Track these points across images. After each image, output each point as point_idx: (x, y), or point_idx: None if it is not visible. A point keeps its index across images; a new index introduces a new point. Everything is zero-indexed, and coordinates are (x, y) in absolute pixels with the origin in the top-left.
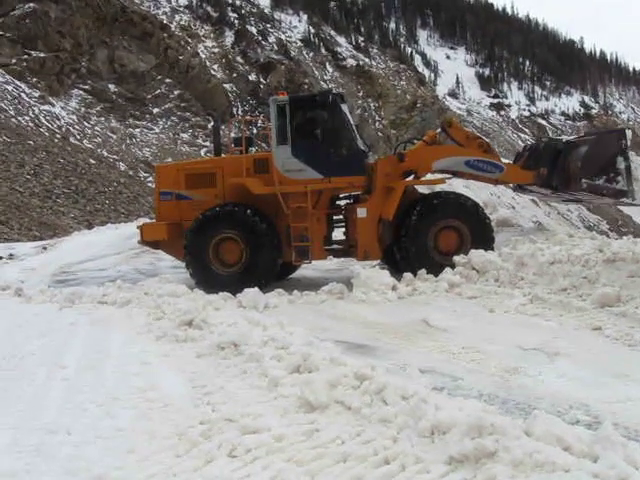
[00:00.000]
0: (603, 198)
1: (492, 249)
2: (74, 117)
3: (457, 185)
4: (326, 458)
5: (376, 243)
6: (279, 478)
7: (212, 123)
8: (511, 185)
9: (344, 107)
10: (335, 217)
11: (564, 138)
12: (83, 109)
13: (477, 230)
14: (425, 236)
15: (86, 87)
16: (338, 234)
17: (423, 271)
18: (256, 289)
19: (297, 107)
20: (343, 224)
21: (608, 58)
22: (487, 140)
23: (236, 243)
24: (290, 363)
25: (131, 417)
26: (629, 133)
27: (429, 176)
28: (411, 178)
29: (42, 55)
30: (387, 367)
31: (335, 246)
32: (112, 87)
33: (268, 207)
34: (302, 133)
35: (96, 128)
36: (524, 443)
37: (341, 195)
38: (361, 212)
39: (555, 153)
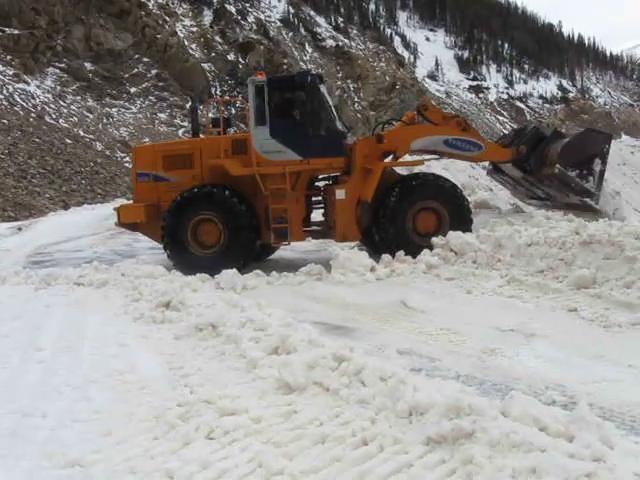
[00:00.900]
0: (568, 195)
1: (470, 231)
2: (49, 96)
3: (435, 167)
4: (304, 439)
5: (354, 224)
6: (257, 460)
7: (190, 103)
8: (486, 168)
9: (323, 88)
10: (314, 198)
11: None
12: (59, 88)
13: (455, 212)
14: (403, 217)
15: (62, 65)
16: (317, 215)
17: (401, 252)
18: (234, 270)
19: (275, 88)
20: (322, 205)
21: (586, 42)
22: (464, 118)
23: (214, 224)
24: (268, 344)
25: (108, 400)
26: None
27: (408, 157)
28: (390, 159)
29: (16, 32)
30: (365, 348)
31: (314, 227)
32: (88, 66)
33: (247, 188)
34: (280, 114)
35: (72, 107)
36: (501, 424)
37: (320, 176)
38: (340, 193)
39: (540, 137)
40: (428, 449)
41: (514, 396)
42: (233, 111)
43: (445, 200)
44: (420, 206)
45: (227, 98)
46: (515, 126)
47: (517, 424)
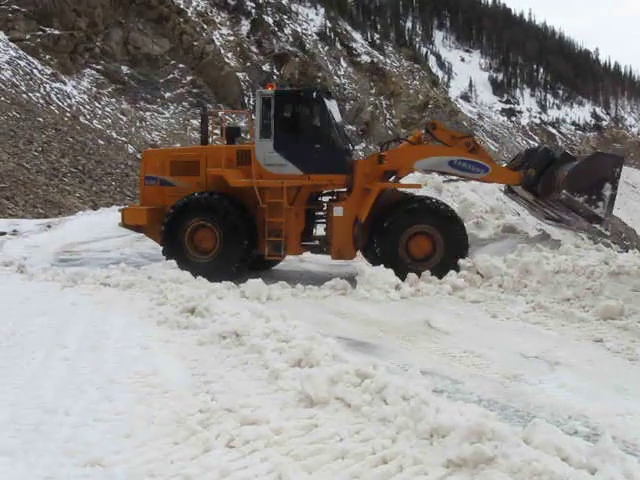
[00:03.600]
0: (578, 220)
1: (465, 256)
2: (85, 97)
3: (464, 188)
4: (324, 454)
5: (351, 243)
6: (276, 471)
7: (200, 111)
8: (502, 188)
9: (329, 104)
10: (318, 213)
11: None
12: (95, 89)
13: (450, 236)
14: (395, 243)
15: (99, 67)
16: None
17: (427, 272)
18: (259, 280)
19: (282, 101)
20: (324, 221)
21: (622, 71)
22: (473, 138)
23: (211, 231)
24: (291, 356)
25: (130, 401)
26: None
27: (411, 179)
28: (393, 179)
29: (56, 32)
30: (388, 366)
31: (314, 242)
32: (125, 69)
33: (248, 199)
34: (285, 128)
35: (107, 109)
36: (523, 451)
37: (325, 192)
38: (337, 211)
39: (549, 159)
40: (448, 472)
41: (537, 424)
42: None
43: (439, 224)
44: (413, 231)
45: (240, 110)
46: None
47: (539, 452)
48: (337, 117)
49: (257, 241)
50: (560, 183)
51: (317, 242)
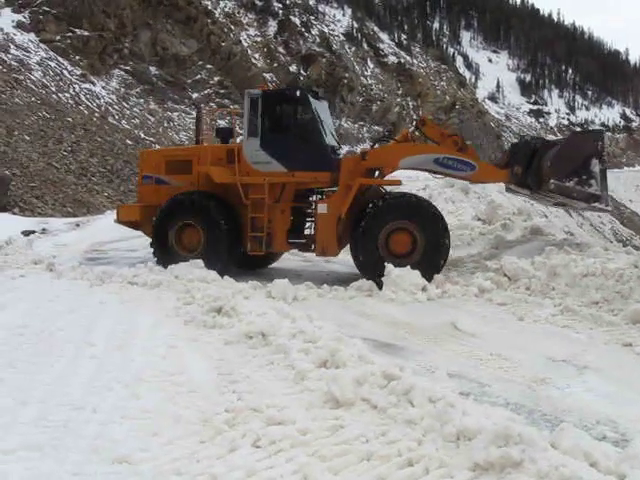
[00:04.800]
0: (577, 202)
1: (444, 255)
2: (114, 97)
3: (491, 189)
4: (350, 455)
5: (334, 240)
6: (302, 472)
7: (195, 111)
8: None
9: (316, 103)
10: (309, 210)
11: (546, 137)
12: (123, 90)
13: (430, 234)
14: (375, 238)
15: (127, 68)
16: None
17: (454, 274)
18: (286, 280)
19: (268, 101)
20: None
21: None
22: (461, 137)
23: (196, 229)
24: (318, 357)
25: (157, 400)
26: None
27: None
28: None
29: (86, 34)
30: (414, 368)
31: (301, 240)
32: (153, 69)
33: (235, 197)
34: (271, 126)
35: (135, 109)
36: (551, 455)
37: (317, 189)
38: (321, 208)
39: (531, 152)
40: (474, 475)
41: (565, 428)
42: None
43: (419, 221)
44: (393, 227)
45: (230, 109)
46: None
47: (567, 457)
48: (324, 116)
49: (242, 238)
50: (547, 174)
51: (304, 240)
